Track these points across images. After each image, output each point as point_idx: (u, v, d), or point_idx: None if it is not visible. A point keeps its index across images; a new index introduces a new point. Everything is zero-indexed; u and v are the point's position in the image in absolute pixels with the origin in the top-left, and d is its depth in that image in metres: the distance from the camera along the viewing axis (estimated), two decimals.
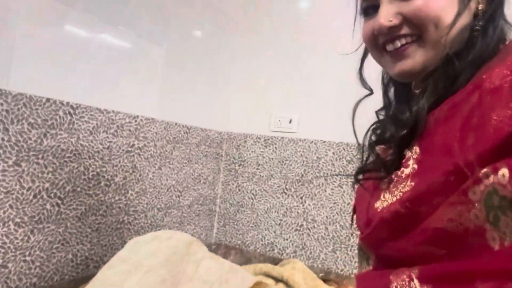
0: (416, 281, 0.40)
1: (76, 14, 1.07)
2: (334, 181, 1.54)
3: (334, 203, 1.53)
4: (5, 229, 0.94)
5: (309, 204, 1.59)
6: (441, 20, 0.47)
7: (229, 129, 1.81)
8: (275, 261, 1.56)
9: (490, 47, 0.45)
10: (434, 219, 0.40)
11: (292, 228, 1.62)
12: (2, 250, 0.94)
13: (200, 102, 1.63)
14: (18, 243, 0.97)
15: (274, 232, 1.66)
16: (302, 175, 1.62)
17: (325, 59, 1.61)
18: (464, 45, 0.47)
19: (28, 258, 0.99)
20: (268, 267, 1.37)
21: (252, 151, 1.75)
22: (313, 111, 1.64)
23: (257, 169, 1.73)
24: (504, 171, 0.34)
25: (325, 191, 1.55)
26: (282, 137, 1.69)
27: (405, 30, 0.49)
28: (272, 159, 1.70)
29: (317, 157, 1.59)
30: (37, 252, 1.01)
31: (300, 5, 1.74)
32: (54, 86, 1.03)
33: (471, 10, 0.48)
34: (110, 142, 1.19)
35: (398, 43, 0.50)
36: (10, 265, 0.95)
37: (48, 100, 1.00)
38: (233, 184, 1.78)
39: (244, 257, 1.70)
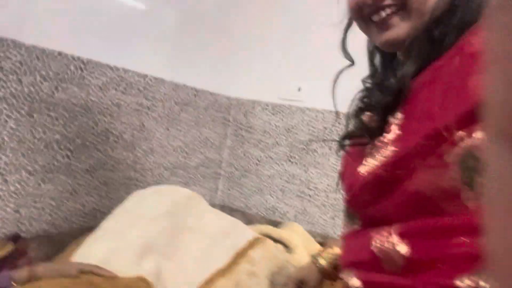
0: (394, 236, 0.43)
1: None
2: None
3: (337, 172, 1.55)
4: (17, 176, 0.98)
5: (312, 172, 1.62)
6: None
7: (238, 95, 1.82)
8: (276, 225, 1.62)
9: (473, 11, 0.45)
10: (413, 182, 0.41)
11: (294, 194, 1.66)
12: (15, 196, 0.99)
13: (210, 66, 1.63)
14: (29, 190, 1.02)
15: (277, 197, 1.70)
16: (307, 144, 1.64)
17: (335, 28, 1.58)
18: (447, 10, 0.47)
19: (38, 205, 1.05)
20: (268, 228, 1.42)
21: (259, 118, 1.76)
22: (321, 81, 1.62)
23: (264, 136, 1.75)
24: (478, 134, 0.35)
25: (329, 160, 1.57)
26: (290, 105, 1.69)
27: (388, 0, 0.50)
28: (279, 126, 1.71)
29: (324, 127, 1.60)
30: (48, 200, 1.07)
31: None
32: (67, 40, 1.04)
33: None
34: (119, 99, 1.22)
35: (383, 13, 0.50)
36: (21, 210, 1.01)
37: (60, 53, 1.02)
38: (239, 149, 1.81)
39: (247, 219, 1.75)
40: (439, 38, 0.46)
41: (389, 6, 0.50)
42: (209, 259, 0.96)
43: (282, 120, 1.71)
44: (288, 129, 1.69)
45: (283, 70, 1.73)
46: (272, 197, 1.71)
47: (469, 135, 0.37)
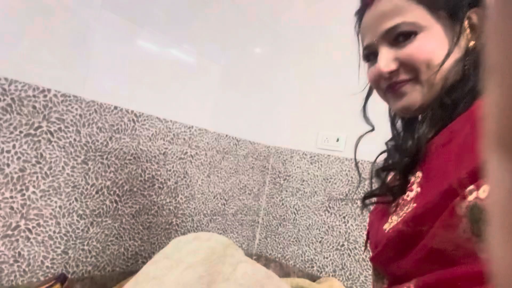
0: None
1: (145, 33, 1.20)
2: None
3: None
4: (69, 219, 1.06)
5: (351, 224, 1.58)
6: (432, 61, 0.50)
7: (277, 144, 1.86)
8: (314, 279, 1.57)
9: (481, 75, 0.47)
10: (429, 238, 0.43)
11: (333, 247, 1.62)
12: (65, 238, 1.06)
13: (251, 117, 1.70)
14: (79, 233, 1.09)
15: (315, 249, 1.67)
16: (347, 195, 1.62)
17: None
18: (459, 78, 0.50)
19: (86, 247, 1.11)
20: (305, 282, 1.38)
21: (297, 167, 1.78)
22: (361, 132, 1.64)
23: (302, 184, 1.75)
24: (485, 187, 0.37)
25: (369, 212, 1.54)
26: (328, 155, 1.70)
27: (403, 75, 0.54)
28: (317, 176, 1.72)
29: (363, 178, 1.58)
30: (94, 243, 1.13)
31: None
32: (122, 96, 1.15)
33: (462, 47, 0.51)
34: (166, 148, 1.30)
35: (395, 85, 0.55)
36: (70, 252, 1.07)
37: (115, 107, 1.12)
38: (277, 198, 1.82)
39: (283, 271, 1.72)
40: (452, 104, 0.49)
41: (401, 79, 0.54)
42: None
43: (320, 169, 1.71)
44: (326, 178, 1.69)
45: (321, 120, 1.76)
46: (310, 248, 1.68)
47: (477, 188, 0.38)
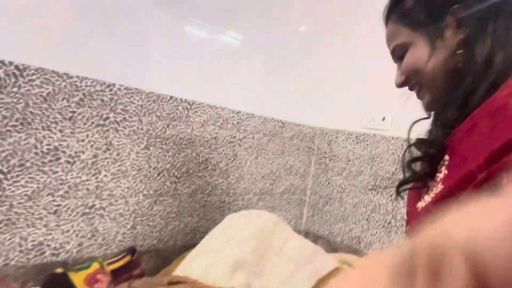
0: None
1: (193, 24, 1.28)
2: None
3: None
4: (136, 198, 1.19)
5: (399, 202, 1.60)
6: (418, 66, 0.60)
7: (322, 125, 1.90)
8: (361, 255, 1.62)
9: (480, 64, 0.52)
10: None
11: (380, 224, 1.65)
12: (133, 215, 1.20)
13: (296, 99, 1.75)
14: (144, 210, 1.22)
15: (362, 226, 1.71)
16: (393, 173, 1.63)
17: None
18: (458, 70, 0.56)
19: (151, 223, 1.25)
20: (352, 258, 1.44)
21: (343, 147, 1.81)
22: (407, 110, 1.63)
23: (347, 164, 1.79)
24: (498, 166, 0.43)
25: None
26: (374, 134, 1.71)
27: (411, 82, 0.65)
28: (363, 155, 1.74)
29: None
30: (158, 220, 1.26)
31: None
32: (176, 86, 1.25)
33: (451, 44, 0.57)
34: (217, 133, 1.39)
35: (414, 90, 0.66)
36: (138, 227, 1.22)
37: (171, 97, 1.23)
38: (323, 177, 1.87)
39: (331, 247, 1.78)
40: (464, 96, 0.54)
41: (413, 85, 0.65)
42: (292, 282, 1.04)
43: (366, 149, 1.73)
44: (372, 158, 1.71)
45: (367, 99, 1.76)
46: (357, 226, 1.72)
47: (492, 170, 0.43)
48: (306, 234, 1.89)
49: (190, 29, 1.28)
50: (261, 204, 1.64)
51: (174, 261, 1.18)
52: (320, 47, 1.82)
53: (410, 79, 0.64)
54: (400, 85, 0.66)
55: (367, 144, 1.73)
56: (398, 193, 0.67)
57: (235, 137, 1.47)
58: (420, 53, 0.60)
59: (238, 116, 1.46)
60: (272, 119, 1.62)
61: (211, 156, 1.39)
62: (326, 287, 1.03)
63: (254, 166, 1.58)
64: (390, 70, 1.75)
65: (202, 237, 1.19)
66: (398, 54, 0.64)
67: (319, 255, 1.15)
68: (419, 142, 0.67)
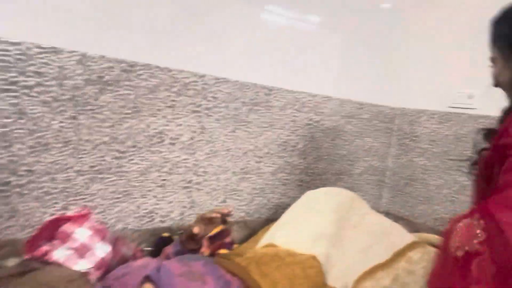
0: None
1: (271, 13, 1.38)
2: None
3: None
4: (226, 175, 1.35)
5: None
6: (497, 79, 0.86)
7: (403, 105, 1.87)
8: None
9: None
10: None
11: (466, 206, 1.60)
12: (224, 190, 1.36)
13: (374, 80, 1.75)
14: (233, 186, 1.38)
15: (446, 208, 1.67)
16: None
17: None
18: None
19: (239, 198, 1.40)
20: (433, 237, 1.43)
21: (425, 127, 1.77)
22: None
23: (430, 145, 1.75)
24: None
25: None
26: (460, 113, 1.65)
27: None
28: (447, 135, 1.69)
29: None
30: (245, 195, 1.41)
31: None
32: (255, 73, 1.37)
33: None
34: (295, 116, 1.49)
35: None
36: (228, 201, 1.38)
37: (253, 84, 1.35)
38: (404, 158, 1.86)
39: (413, 229, 1.77)
40: None
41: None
42: (369, 254, 1.10)
43: (451, 128, 1.68)
44: (458, 138, 1.65)
45: (452, 77, 1.70)
46: (441, 207, 1.69)
47: None
48: (386, 215, 1.89)
49: (267, 17, 1.38)
50: (339, 184, 1.70)
51: (260, 232, 1.32)
52: (403, 25, 1.78)
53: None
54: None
55: (452, 124, 1.67)
56: (470, 172, 0.78)
57: (311, 119, 1.54)
58: (500, 68, 0.83)
59: (315, 99, 1.54)
60: (349, 100, 1.66)
61: (290, 138, 1.49)
62: (404, 259, 1.07)
63: (331, 148, 1.64)
64: (477, 45, 1.67)
65: (283, 212, 1.30)
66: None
67: (396, 229, 1.18)
68: (487, 133, 0.78)
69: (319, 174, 1.62)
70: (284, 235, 1.15)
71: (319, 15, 1.50)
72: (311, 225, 1.13)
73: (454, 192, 1.64)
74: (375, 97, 1.76)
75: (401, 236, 1.16)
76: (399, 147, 1.88)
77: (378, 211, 1.90)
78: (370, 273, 1.04)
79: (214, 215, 1.07)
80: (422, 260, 1.07)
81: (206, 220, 1.09)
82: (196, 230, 1.04)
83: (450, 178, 1.66)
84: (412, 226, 1.78)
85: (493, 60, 0.84)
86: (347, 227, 1.16)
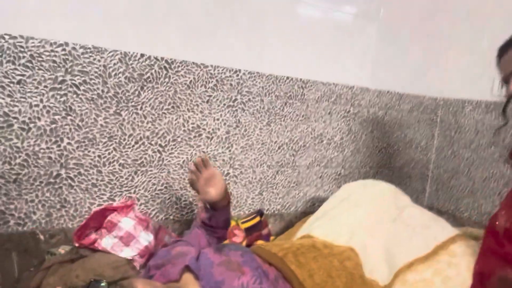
0: None
1: (305, 5, 1.37)
2: None
3: None
4: (261, 168, 1.37)
5: None
6: None
7: (445, 95, 1.79)
8: None
9: None
10: None
11: None
12: (260, 183, 1.37)
13: (414, 70, 1.70)
14: (268, 179, 1.39)
15: (493, 202, 1.59)
16: None
17: None
18: None
19: (275, 191, 1.41)
20: (479, 231, 1.37)
21: (471, 117, 1.69)
22: None
23: (476, 136, 1.67)
24: None
25: None
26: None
27: None
28: (495, 126, 1.60)
29: None
30: (280, 188, 1.42)
31: None
32: (292, 66, 1.37)
33: None
34: (331, 108, 1.47)
35: None
36: (264, 193, 1.39)
37: (287, 78, 1.36)
38: (447, 150, 1.78)
39: (457, 223, 1.70)
40: None
41: None
42: (409, 246, 1.07)
43: (498, 118, 1.59)
44: (506, 128, 1.56)
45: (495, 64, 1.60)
46: (487, 201, 1.61)
47: None
48: (430, 209, 1.82)
49: (302, 10, 1.38)
50: (378, 177, 1.67)
51: (297, 224, 1.32)
52: (440, 14, 1.71)
53: None
54: None
55: (499, 113, 1.58)
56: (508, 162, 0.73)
57: (349, 111, 1.52)
58: None
59: (351, 91, 1.51)
60: (388, 92, 1.61)
61: (326, 130, 1.48)
62: (446, 252, 1.04)
63: (369, 140, 1.61)
64: None
65: (320, 205, 1.30)
66: None
67: (438, 222, 1.14)
68: None
69: (357, 168, 1.60)
70: (321, 227, 1.15)
71: (355, 5, 1.48)
72: (349, 217, 1.12)
73: (503, 185, 1.55)
74: (415, 87, 1.70)
75: (443, 229, 1.12)
76: (443, 139, 1.81)
77: (422, 206, 1.84)
78: (410, 266, 1.02)
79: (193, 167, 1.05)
80: (465, 254, 1.03)
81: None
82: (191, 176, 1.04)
83: (498, 171, 1.57)
84: (456, 220, 1.71)
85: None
86: (386, 220, 1.14)
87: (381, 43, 1.57)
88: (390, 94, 1.62)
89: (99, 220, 1.07)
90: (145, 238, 1.04)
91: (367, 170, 1.63)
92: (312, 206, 1.49)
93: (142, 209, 1.18)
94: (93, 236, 1.05)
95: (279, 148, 1.39)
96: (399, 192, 1.29)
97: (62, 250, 1.05)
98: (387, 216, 1.13)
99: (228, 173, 1.31)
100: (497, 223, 0.86)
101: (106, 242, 1.03)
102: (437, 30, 1.72)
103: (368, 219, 1.10)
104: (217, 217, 1.06)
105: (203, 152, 1.25)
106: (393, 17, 1.58)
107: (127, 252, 1.01)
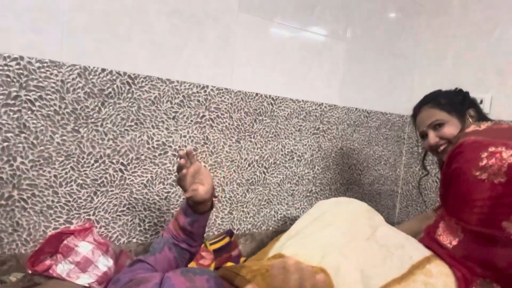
0: None
1: (276, 24, 1.38)
2: None
3: None
4: (231, 186, 1.33)
5: None
6: (453, 134, 1.07)
7: (412, 112, 1.83)
8: None
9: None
10: None
11: None
12: (229, 201, 1.33)
13: (381, 88, 1.73)
14: (239, 197, 1.35)
15: None
16: None
17: None
18: None
19: (245, 210, 1.37)
20: None
21: None
22: (508, 91, 1.50)
23: None
24: None
25: None
26: None
27: (442, 143, 1.10)
28: None
29: None
30: (251, 206, 1.38)
31: None
32: (261, 83, 1.36)
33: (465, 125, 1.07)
34: (301, 125, 1.47)
35: (441, 148, 1.11)
36: (234, 213, 1.35)
37: (257, 94, 1.34)
38: (416, 167, 1.81)
39: None
40: None
41: (442, 144, 1.09)
42: (385, 267, 1.05)
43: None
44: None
45: (461, 82, 1.66)
46: None
47: None
48: None
49: (274, 30, 1.38)
50: (349, 194, 1.66)
51: (269, 243, 1.28)
52: (405, 33, 1.77)
53: (442, 142, 1.09)
54: (435, 145, 1.10)
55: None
56: None
57: (318, 128, 1.52)
58: (454, 128, 1.07)
59: (320, 108, 1.51)
60: (356, 109, 1.63)
61: (296, 147, 1.47)
62: (422, 272, 1.02)
63: (339, 157, 1.61)
64: (487, 48, 1.63)
65: (291, 224, 1.27)
66: (434, 126, 1.10)
67: (412, 241, 1.13)
68: None
69: (327, 184, 1.59)
70: (292, 246, 1.11)
71: (324, 27, 1.50)
72: (321, 236, 1.09)
73: None
74: (383, 105, 1.73)
75: (418, 249, 1.11)
76: (410, 155, 1.84)
77: (392, 222, 1.85)
78: (387, 287, 1.00)
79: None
80: (441, 274, 1.02)
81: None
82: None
83: None
84: None
85: (439, 122, 1.09)
86: (359, 238, 1.12)
87: (348, 62, 1.59)
88: (358, 112, 1.64)
89: (55, 245, 1.00)
90: (104, 263, 0.97)
91: (337, 186, 1.62)
92: (284, 225, 1.46)
93: (102, 232, 1.11)
94: (48, 262, 0.98)
95: (249, 165, 1.36)
96: (372, 210, 1.28)
97: (14, 278, 0.96)
98: (360, 235, 1.11)
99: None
100: None
101: (62, 268, 0.96)
102: (402, 49, 1.77)
103: (341, 238, 1.08)
104: (200, 222, 0.93)
105: (185, 146, 1.20)
106: (360, 37, 1.61)
107: (84, 279, 0.94)
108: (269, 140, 1.39)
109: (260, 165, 1.38)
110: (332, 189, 1.60)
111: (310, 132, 1.50)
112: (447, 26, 1.73)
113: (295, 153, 1.47)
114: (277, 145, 1.41)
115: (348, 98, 1.61)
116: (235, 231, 1.34)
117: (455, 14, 1.70)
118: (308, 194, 1.53)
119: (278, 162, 1.42)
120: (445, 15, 1.74)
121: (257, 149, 1.37)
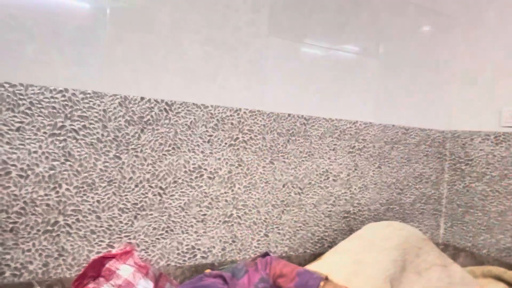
0: None
1: (306, 46, 1.39)
2: None
3: None
4: (266, 208, 1.32)
5: None
6: None
7: (452, 128, 1.76)
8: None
9: None
10: None
11: None
12: (265, 223, 1.33)
13: (418, 103, 1.68)
14: (274, 219, 1.34)
15: (511, 236, 1.51)
16: None
17: None
18: None
19: (281, 231, 1.35)
20: (499, 270, 1.29)
21: (480, 149, 1.65)
22: None
23: (487, 168, 1.61)
24: None
25: None
26: None
27: None
28: (505, 157, 1.55)
29: None
30: (287, 228, 1.36)
31: None
32: (293, 104, 1.37)
33: None
34: (335, 144, 1.45)
35: None
36: (270, 235, 1.34)
37: (289, 114, 1.35)
38: (459, 185, 1.72)
39: (476, 261, 1.61)
40: None
41: None
42: None
43: (509, 149, 1.54)
44: None
45: (504, 94, 1.58)
46: (505, 236, 1.53)
47: None
48: (446, 247, 1.74)
49: (305, 50, 1.39)
50: (389, 214, 1.60)
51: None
52: (441, 48, 1.72)
53: None
54: None
55: (509, 144, 1.54)
56: None
57: (354, 147, 1.49)
58: None
59: (355, 126, 1.49)
60: (393, 126, 1.59)
61: (331, 167, 1.44)
62: None
63: (377, 176, 1.56)
64: None
65: (330, 247, 1.24)
66: None
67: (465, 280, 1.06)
68: None
69: (366, 205, 1.54)
70: (344, 270, 1.08)
71: (355, 44, 1.49)
72: (373, 260, 1.05)
73: None
74: (421, 121, 1.68)
75: None
76: (453, 172, 1.75)
77: (437, 243, 1.75)
78: None
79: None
80: None
81: None
82: None
83: None
84: (475, 258, 1.61)
85: None
86: (409, 270, 1.07)
87: (382, 78, 1.57)
88: (396, 128, 1.60)
89: (97, 269, 1.03)
90: (144, 286, 0.99)
91: (377, 207, 1.57)
92: (322, 247, 1.42)
93: (142, 255, 1.13)
94: (91, 285, 1.01)
95: (283, 186, 1.35)
96: (428, 242, 1.21)
97: None
98: (411, 266, 1.06)
99: (231, 214, 1.26)
100: None
101: None
102: (438, 63, 1.72)
103: (392, 265, 1.03)
104: None
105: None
106: (393, 52, 1.59)
107: None
108: (303, 160, 1.38)
109: (294, 186, 1.37)
110: (371, 210, 1.56)
111: (346, 151, 1.48)
112: (484, 38, 1.67)
113: (331, 172, 1.45)
114: (311, 165, 1.40)
115: (384, 115, 1.57)
116: (271, 254, 1.33)
117: (492, 26, 1.64)
118: (346, 215, 1.49)
119: (313, 182, 1.41)
120: (482, 27, 1.68)
121: (291, 169, 1.36)
